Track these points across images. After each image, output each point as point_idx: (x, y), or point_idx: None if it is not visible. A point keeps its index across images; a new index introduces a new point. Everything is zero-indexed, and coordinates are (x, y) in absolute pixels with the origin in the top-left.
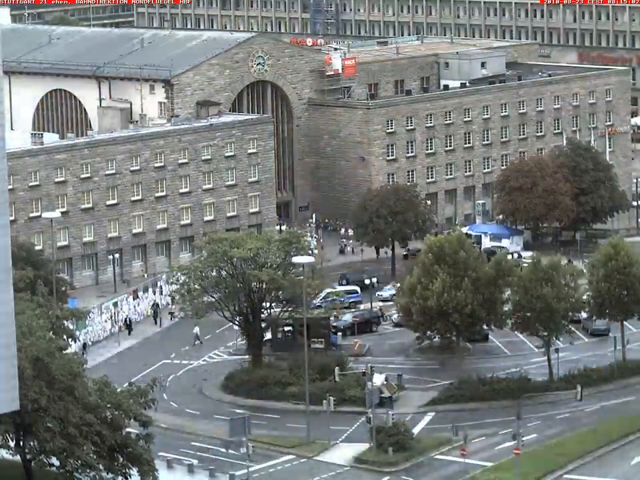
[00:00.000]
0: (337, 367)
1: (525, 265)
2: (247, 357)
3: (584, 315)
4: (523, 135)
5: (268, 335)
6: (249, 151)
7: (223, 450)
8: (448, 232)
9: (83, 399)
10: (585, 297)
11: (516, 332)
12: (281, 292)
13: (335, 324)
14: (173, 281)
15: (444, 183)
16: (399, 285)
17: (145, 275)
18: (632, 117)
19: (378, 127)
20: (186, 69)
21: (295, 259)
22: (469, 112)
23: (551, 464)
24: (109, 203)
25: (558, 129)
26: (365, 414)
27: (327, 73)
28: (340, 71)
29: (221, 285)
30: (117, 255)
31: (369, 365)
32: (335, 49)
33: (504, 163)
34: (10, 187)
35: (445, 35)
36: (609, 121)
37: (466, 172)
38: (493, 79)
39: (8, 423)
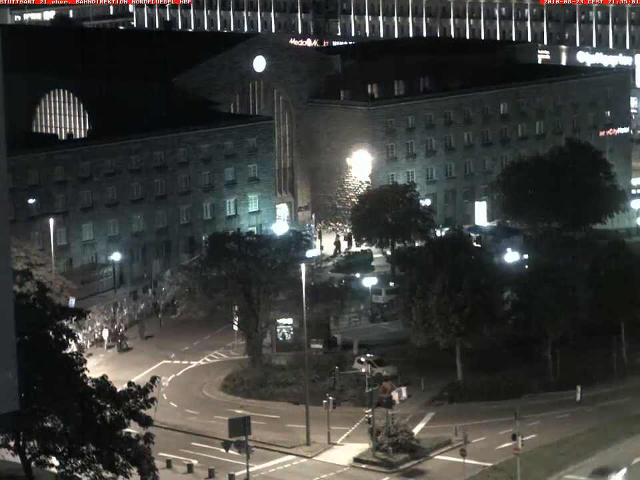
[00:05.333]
0: (336, 367)
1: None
2: (246, 357)
3: None
4: (523, 135)
5: (268, 336)
6: (249, 151)
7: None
8: (448, 230)
9: (83, 399)
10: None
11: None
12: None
13: None
14: (173, 281)
15: (444, 183)
16: None
17: (145, 275)
18: (632, 117)
19: (378, 127)
20: (186, 69)
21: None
22: (468, 112)
23: (551, 464)
24: (108, 202)
25: (558, 129)
26: (365, 414)
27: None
28: None
29: (221, 284)
30: (116, 255)
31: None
32: None
33: (504, 163)
34: (10, 186)
35: (444, 35)
36: (609, 121)
37: (465, 172)
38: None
39: (8, 423)
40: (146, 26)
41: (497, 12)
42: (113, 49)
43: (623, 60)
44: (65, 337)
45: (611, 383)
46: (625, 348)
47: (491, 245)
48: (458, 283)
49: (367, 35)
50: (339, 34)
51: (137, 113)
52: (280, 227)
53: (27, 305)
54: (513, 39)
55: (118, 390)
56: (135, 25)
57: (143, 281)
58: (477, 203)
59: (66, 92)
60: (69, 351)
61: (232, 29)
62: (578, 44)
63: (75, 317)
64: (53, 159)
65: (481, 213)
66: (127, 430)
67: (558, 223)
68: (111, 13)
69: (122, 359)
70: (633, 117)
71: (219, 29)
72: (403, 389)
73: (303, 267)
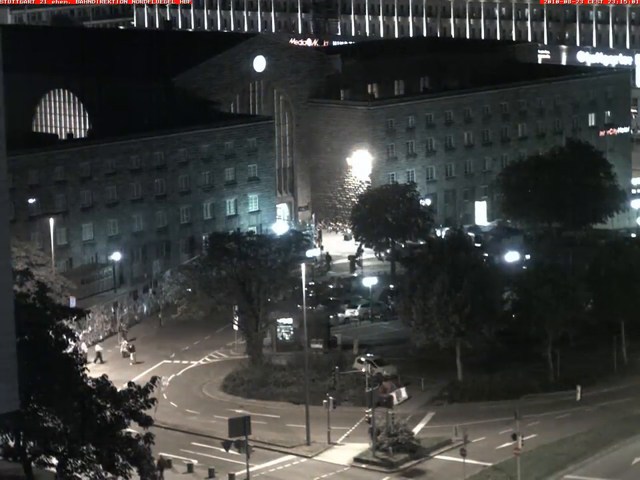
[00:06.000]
0: (336, 367)
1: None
2: (247, 356)
3: None
4: (523, 134)
5: (268, 336)
6: (249, 151)
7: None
8: (448, 230)
9: (83, 399)
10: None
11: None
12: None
13: None
14: (173, 282)
15: (444, 183)
16: None
17: (145, 275)
18: (632, 117)
19: (378, 127)
20: (186, 68)
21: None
22: (468, 112)
23: (551, 464)
24: (108, 202)
25: (558, 129)
26: (365, 414)
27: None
28: None
29: (221, 284)
30: (116, 255)
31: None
32: None
33: (504, 163)
34: (10, 186)
35: (444, 35)
36: (609, 121)
37: (466, 172)
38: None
39: (8, 423)
40: (146, 26)
41: (497, 12)
42: (112, 49)
43: (623, 60)
44: (65, 337)
45: (611, 383)
46: (625, 348)
47: (491, 245)
48: (458, 283)
49: (367, 35)
50: (339, 34)
51: (137, 113)
52: (280, 227)
53: (27, 305)
54: (513, 38)
55: (118, 390)
56: (135, 25)
57: (143, 281)
58: (477, 203)
59: (66, 92)
60: (69, 350)
61: (232, 29)
62: (578, 44)
63: (75, 317)
64: (53, 158)
65: (481, 213)
66: (127, 430)
67: (558, 223)
68: (111, 12)
69: (122, 359)
70: (633, 117)
71: (218, 28)
72: (403, 389)
73: (303, 266)
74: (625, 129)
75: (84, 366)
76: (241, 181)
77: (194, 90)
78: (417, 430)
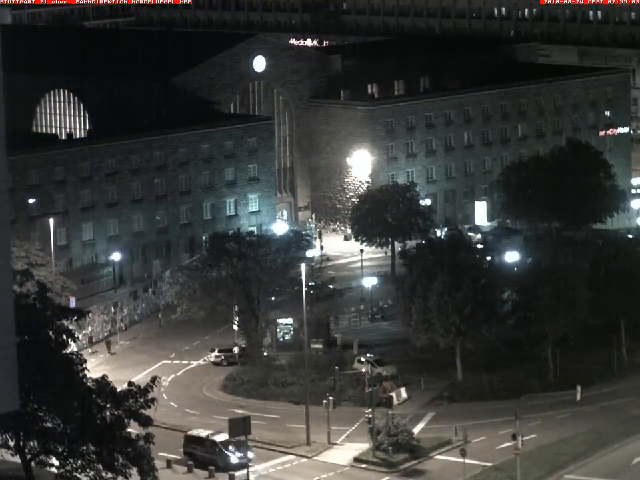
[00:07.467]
0: (336, 367)
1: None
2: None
3: None
4: (523, 134)
5: (268, 336)
6: (249, 151)
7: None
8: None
9: (83, 399)
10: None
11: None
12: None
13: None
14: (174, 282)
15: (443, 183)
16: None
17: (145, 275)
18: (632, 117)
19: (378, 127)
20: (186, 69)
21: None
22: (468, 112)
23: (551, 464)
24: (108, 202)
25: (558, 129)
26: (365, 414)
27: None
28: None
29: (221, 284)
30: (116, 255)
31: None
32: None
33: (503, 163)
34: (10, 186)
35: (444, 35)
36: (609, 121)
37: (465, 172)
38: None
39: (8, 423)
40: (146, 26)
41: (496, 12)
42: (112, 49)
43: (623, 60)
44: (65, 337)
45: (611, 382)
46: (625, 348)
47: (491, 245)
48: (458, 283)
49: (367, 35)
50: (339, 34)
51: (137, 112)
52: (280, 227)
53: (27, 305)
54: (513, 39)
55: (118, 390)
56: (135, 25)
57: (143, 280)
58: (477, 203)
59: (66, 92)
60: (68, 350)
61: (232, 29)
62: (577, 44)
63: (75, 317)
64: (52, 159)
65: (481, 213)
66: (127, 430)
67: (558, 223)
68: (111, 12)
69: (122, 359)
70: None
71: (218, 29)
72: (403, 389)
73: (303, 266)
74: (625, 129)
75: (84, 366)
76: (241, 181)
77: (194, 90)
78: (416, 430)
